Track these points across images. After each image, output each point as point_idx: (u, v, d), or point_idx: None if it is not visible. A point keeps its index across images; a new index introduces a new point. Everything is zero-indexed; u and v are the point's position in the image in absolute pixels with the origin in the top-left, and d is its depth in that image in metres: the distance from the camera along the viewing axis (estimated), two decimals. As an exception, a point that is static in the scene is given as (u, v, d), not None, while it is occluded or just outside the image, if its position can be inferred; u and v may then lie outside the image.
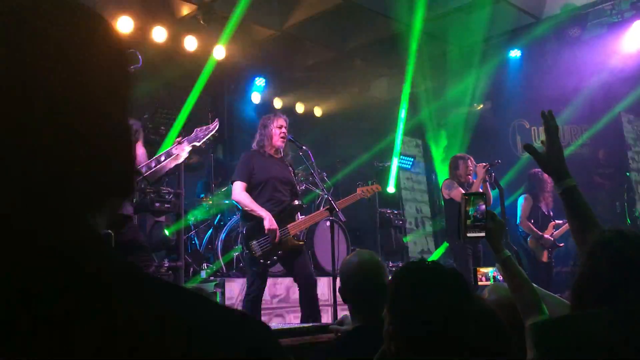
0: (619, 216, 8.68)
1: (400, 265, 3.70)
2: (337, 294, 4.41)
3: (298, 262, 4.69)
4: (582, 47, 8.51)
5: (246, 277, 4.90)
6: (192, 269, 6.23)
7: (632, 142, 8.08)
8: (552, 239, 6.59)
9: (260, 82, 9.15)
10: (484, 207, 2.10)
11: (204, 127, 4.10)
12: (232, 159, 8.02)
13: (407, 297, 1.49)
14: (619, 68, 8.43)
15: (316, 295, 4.63)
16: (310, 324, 4.22)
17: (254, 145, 4.86)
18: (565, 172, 1.91)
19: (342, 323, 2.53)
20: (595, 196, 8.85)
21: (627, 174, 7.94)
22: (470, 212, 2.11)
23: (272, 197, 4.71)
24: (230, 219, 6.71)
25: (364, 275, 2.23)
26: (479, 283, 2.47)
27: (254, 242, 4.58)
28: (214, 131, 4.08)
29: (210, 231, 7.05)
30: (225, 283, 5.63)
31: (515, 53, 9.16)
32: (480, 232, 2.09)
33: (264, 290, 4.67)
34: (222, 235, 6.61)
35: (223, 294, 5.48)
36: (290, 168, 4.89)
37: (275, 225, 4.56)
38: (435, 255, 8.45)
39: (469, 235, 2.10)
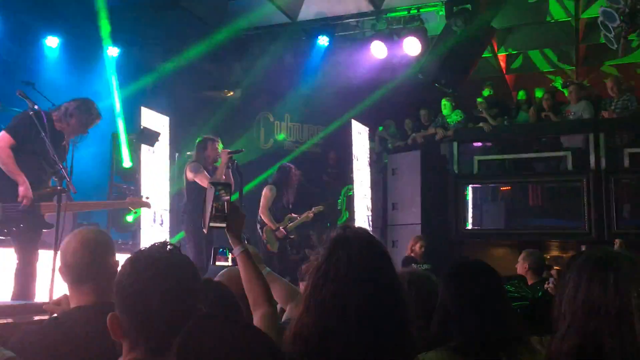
0: (338, 213, 9.73)
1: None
2: (58, 272, 4.08)
3: (32, 237, 4.24)
4: (329, 55, 9.28)
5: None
6: None
7: (357, 152, 8.97)
8: (285, 232, 6.91)
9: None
10: (227, 198, 2.11)
11: None
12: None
13: None
14: (357, 79, 9.41)
15: (35, 272, 4.16)
16: (22, 302, 3.78)
17: (55, 115, 4.35)
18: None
19: (59, 303, 2.31)
20: (322, 193, 9.74)
21: (352, 175, 8.88)
22: (214, 202, 2.10)
23: (34, 168, 4.23)
24: None
25: (88, 253, 2.06)
26: (217, 263, 2.48)
27: None
28: None
29: None
30: None
31: (270, 47, 9.49)
32: (222, 223, 2.09)
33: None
34: None
35: None
36: (66, 147, 4.43)
37: (30, 195, 4.11)
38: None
39: (211, 225, 2.09)
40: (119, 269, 1.54)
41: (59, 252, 3.68)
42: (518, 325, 1.92)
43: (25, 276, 4.12)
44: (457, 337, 1.86)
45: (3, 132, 4.22)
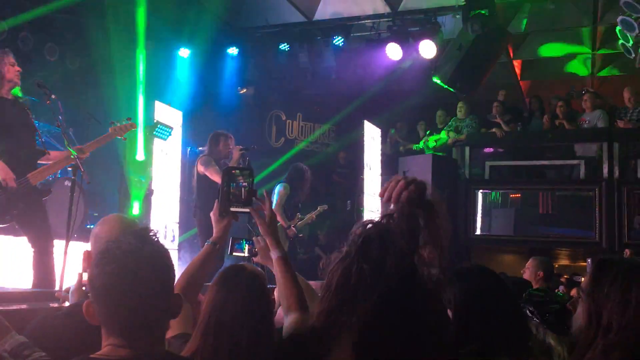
0: (349, 213, 9.71)
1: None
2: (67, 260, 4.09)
3: (36, 220, 4.18)
4: (344, 55, 9.27)
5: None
6: None
7: (369, 160, 8.92)
8: (295, 230, 6.92)
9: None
10: (250, 181, 2.08)
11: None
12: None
13: None
14: (370, 80, 9.40)
15: (52, 260, 4.15)
16: (38, 290, 3.79)
17: None
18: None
19: (72, 290, 2.32)
20: (332, 191, 9.75)
21: (362, 176, 8.85)
22: (233, 186, 2.07)
23: (7, 143, 4.11)
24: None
25: None
26: (234, 253, 2.47)
27: None
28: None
29: None
30: None
31: (284, 46, 9.50)
32: (244, 208, 2.07)
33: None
34: None
35: None
36: (29, 111, 4.30)
37: (10, 175, 4.01)
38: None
39: (232, 209, 2.07)
40: None
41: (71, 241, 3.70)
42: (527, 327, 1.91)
43: (43, 264, 4.09)
44: (470, 341, 1.85)
45: None
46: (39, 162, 4.32)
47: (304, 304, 2.00)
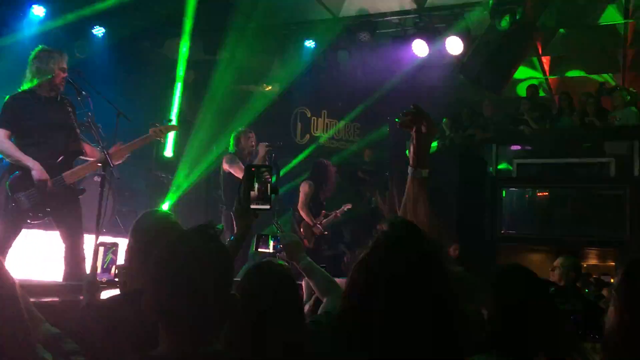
0: (373, 210, 9.68)
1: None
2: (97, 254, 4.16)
3: (69, 218, 4.29)
4: (369, 52, 9.23)
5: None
6: None
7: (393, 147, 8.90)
8: (321, 228, 6.93)
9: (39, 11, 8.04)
10: (269, 179, 2.10)
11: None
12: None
13: None
14: (395, 77, 9.35)
15: (83, 252, 4.26)
16: (69, 283, 3.88)
17: (25, 84, 4.30)
18: (427, 161, 1.99)
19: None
20: (357, 188, 9.72)
21: (387, 173, 8.83)
22: (255, 184, 2.09)
23: (45, 143, 4.23)
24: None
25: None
26: (259, 249, 2.50)
27: (21, 194, 4.09)
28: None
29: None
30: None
31: (309, 43, 9.50)
32: (265, 205, 2.08)
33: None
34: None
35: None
36: (70, 109, 4.37)
37: (45, 175, 4.13)
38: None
39: (253, 207, 2.08)
40: None
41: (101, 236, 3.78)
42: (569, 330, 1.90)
43: (74, 258, 4.19)
44: (507, 341, 1.84)
45: None
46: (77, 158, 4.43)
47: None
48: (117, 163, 4.34)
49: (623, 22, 9.35)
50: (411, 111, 1.91)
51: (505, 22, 7.24)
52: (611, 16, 9.19)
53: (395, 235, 1.42)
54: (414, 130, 1.89)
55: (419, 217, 1.84)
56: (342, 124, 10.87)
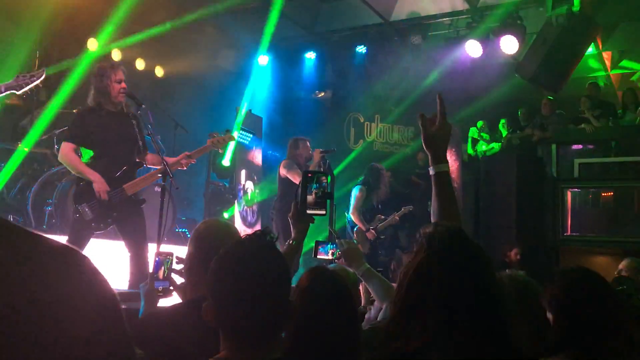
0: (428, 214, 9.55)
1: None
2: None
3: (133, 226, 4.44)
4: (421, 54, 9.15)
5: (68, 239, 4.47)
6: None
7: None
8: (375, 233, 6.90)
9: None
10: (325, 186, 2.12)
11: (28, 75, 3.72)
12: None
13: None
14: (449, 79, 9.21)
15: (147, 260, 4.41)
16: (133, 290, 4.00)
17: (90, 101, 4.47)
18: (444, 156, 1.97)
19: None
20: (411, 193, 9.63)
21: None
22: (311, 189, 2.12)
23: (108, 155, 4.40)
24: (49, 170, 6.16)
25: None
26: (318, 256, 2.52)
27: (85, 205, 4.28)
28: (38, 80, 3.77)
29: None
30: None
31: (361, 49, 9.50)
32: (320, 210, 2.11)
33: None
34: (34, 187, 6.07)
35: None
36: (134, 122, 4.53)
37: (105, 187, 4.29)
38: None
39: (309, 212, 2.11)
40: None
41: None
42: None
43: (138, 267, 4.34)
44: (573, 344, 1.79)
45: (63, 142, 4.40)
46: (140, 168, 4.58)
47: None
48: (175, 168, 4.45)
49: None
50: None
51: (562, 11, 6.97)
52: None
53: (437, 239, 1.41)
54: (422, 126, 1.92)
55: (450, 214, 1.83)
56: (395, 128, 10.82)
